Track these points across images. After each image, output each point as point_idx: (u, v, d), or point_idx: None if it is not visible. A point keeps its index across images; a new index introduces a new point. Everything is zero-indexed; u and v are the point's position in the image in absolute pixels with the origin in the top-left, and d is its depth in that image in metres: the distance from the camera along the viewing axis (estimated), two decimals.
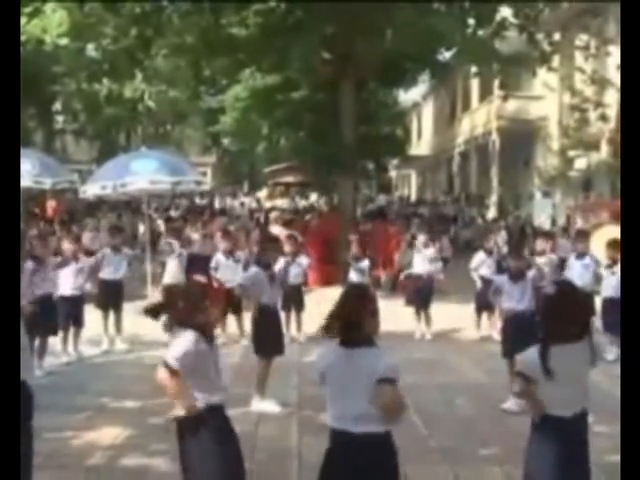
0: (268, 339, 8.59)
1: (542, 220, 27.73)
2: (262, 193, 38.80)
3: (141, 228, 23.54)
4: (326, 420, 4.45)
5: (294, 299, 12.56)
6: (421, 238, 13.67)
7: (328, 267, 18.32)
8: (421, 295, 13.10)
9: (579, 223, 22.51)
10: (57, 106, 38.39)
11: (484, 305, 12.71)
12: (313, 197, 37.74)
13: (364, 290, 4.80)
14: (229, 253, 12.87)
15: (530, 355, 4.66)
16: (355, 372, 4.27)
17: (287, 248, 12.77)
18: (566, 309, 4.61)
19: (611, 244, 11.31)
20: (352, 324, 4.34)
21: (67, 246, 11.59)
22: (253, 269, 8.91)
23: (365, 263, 13.31)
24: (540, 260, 11.56)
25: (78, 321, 11.26)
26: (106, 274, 12.32)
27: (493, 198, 33.36)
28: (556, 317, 4.63)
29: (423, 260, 13.30)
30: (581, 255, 11.85)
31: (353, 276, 13.06)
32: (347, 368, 4.30)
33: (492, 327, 12.69)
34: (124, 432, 7.62)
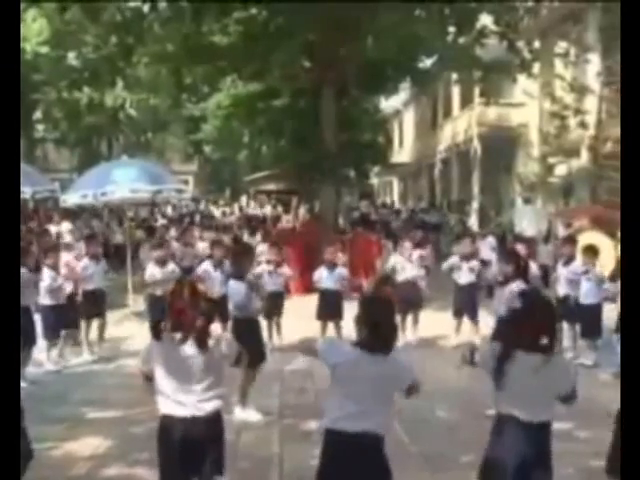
0: (248, 349, 8.57)
1: (523, 226, 27.81)
2: (242, 201, 38.66)
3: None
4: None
5: (275, 306, 12.55)
6: (406, 245, 13.65)
7: (309, 275, 18.26)
8: (412, 300, 13.12)
9: (560, 229, 22.64)
10: (38, 114, 38.22)
11: (460, 310, 12.83)
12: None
13: (387, 297, 4.93)
14: (218, 264, 12.63)
15: (492, 354, 4.76)
16: (377, 378, 4.44)
17: (270, 257, 12.74)
18: (532, 318, 4.66)
19: (587, 250, 11.36)
20: (377, 330, 4.50)
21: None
22: (231, 283, 8.81)
23: (340, 270, 13.13)
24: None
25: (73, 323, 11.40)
26: (90, 284, 12.29)
27: (474, 205, 33.47)
28: (522, 325, 4.69)
29: (410, 266, 13.28)
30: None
31: (327, 283, 12.90)
32: (369, 373, 4.43)
33: (475, 333, 12.74)
34: (105, 442, 7.57)
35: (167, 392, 4.79)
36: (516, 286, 8.76)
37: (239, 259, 9.03)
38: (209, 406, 4.83)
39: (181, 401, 4.76)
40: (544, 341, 4.60)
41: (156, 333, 4.82)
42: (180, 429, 4.75)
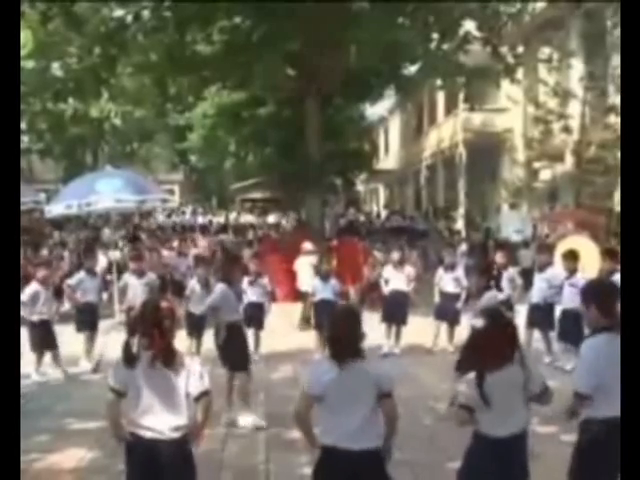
0: (238, 354, 8.64)
1: (510, 232, 27.91)
2: (229, 209, 38.63)
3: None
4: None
5: (255, 317, 12.48)
6: (394, 255, 13.62)
7: (295, 282, 18.25)
8: (398, 311, 13.08)
9: (545, 234, 22.76)
10: (22, 125, 38.07)
11: (441, 318, 13.01)
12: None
13: (352, 309, 5.02)
14: (204, 282, 12.49)
15: (469, 386, 4.77)
16: (355, 387, 4.47)
17: (251, 268, 12.70)
18: (493, 340, 4.68)
19: (568, 255, 11.37)
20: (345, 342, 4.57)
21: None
22: (219, 286, 8.88)
23: (333, 281, 13.09)
24: (505, 274, 11.64)
25: (52, 343, 11.28)
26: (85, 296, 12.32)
27: (460, 211, 33.54)
28: (486, 347, 4.71)
29: (398, 277, 13.26)
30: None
31: (323, 293, 12.85)
32: (346, 383, 4.48)
33: (449, 340, 12.81)
34: (89, 454, 7.54)
35: (133, 413, 4.71)
36: (489, 297, 8.89)
37: (228, 269, 9.29)
38: (177, 431, 4.68)
39: (148, 425, 4.66)
40: (508, 352, 4.64)
41: (127, 357, 4.78)
42: (147, 451, 4.64)
